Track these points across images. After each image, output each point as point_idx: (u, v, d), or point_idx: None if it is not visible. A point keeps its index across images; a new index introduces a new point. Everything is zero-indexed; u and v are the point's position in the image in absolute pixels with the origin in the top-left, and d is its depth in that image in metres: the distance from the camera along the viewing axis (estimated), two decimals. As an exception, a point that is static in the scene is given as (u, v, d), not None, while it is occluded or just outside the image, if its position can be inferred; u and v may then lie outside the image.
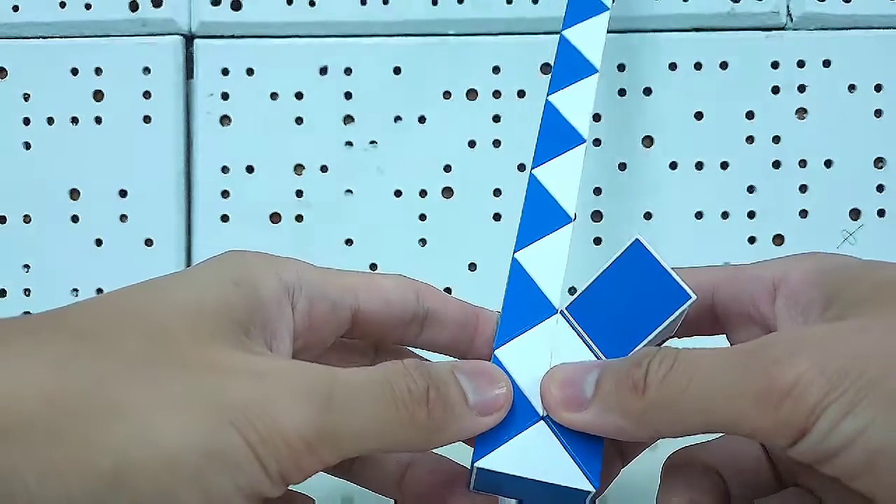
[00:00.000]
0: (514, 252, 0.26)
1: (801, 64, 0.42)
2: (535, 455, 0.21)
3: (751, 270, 0.24)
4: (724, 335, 0.25)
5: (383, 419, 0.19)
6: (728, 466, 0.23)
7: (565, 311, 0.24)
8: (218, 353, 0.18)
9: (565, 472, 0.21)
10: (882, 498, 0.18)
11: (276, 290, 0.21)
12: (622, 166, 0.43)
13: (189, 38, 0.44)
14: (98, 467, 0.16)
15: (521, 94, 0.43)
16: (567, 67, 0.29)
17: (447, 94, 0.43)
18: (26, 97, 0.44)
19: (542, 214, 0.27)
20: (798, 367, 0.18)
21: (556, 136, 0.28)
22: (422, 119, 0.43)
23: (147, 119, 0.43)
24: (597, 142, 0.43)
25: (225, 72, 0.43)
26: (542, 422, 0.22)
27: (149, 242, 0.44)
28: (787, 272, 0.22)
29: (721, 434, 0.22)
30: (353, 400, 0.18)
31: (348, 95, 0.43)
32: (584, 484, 0.21)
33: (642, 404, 0.19)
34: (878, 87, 0.42)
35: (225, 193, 0.43)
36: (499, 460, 0.21)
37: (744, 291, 0.23)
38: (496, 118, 0.43)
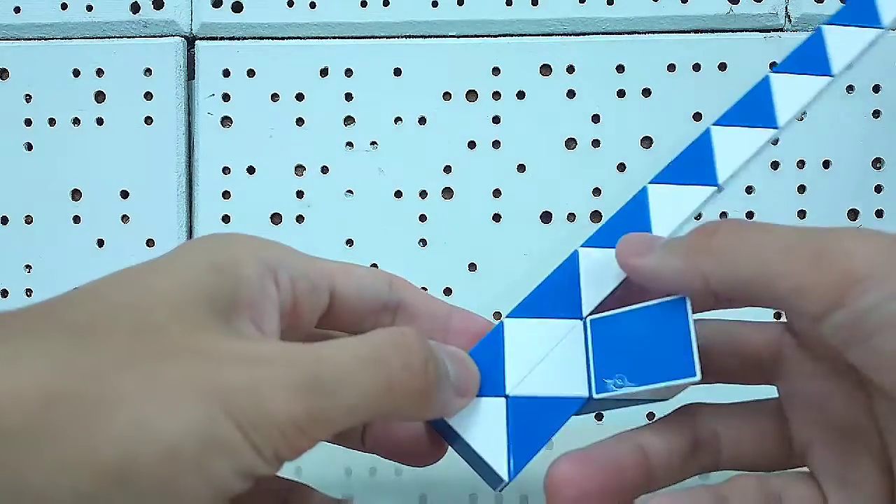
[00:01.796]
0: (581, 246, 0.25)
1: (799, 65, 0.42)
2: (479, 421, 0.22)
3: None
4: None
5: (376, 394, 0.19)
6: (733, 434, 0.24)
7: (588, 321, 0.24)
8: (206, 341, 0.18)
9: (493, 449, 0.22)
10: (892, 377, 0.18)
11: (257, 269, 0.21)
12: (621, 167, 0.43)
13: (190, 40, 0.44)
14: (102, 462, 0.16)
15: (521, 95, 0.43)
16: (805, 58, 0.27)
17: (447, 95, 0.43)
18: (28, 98, 0.44)
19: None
20: (862, 240, 0.19)
21: (753, 109, 0.27)
22: (422, 120, 0.43)
23: (148, 120, 0.44)
24: (596, 142, 0.43)
25: (226, 73, 0.44)
26: (503, 399, 0.23)
27: (150, 243, 0.44)
28: None
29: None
30: (341, 380, 0.18)
31: (349, 97, 0.43)
32: (501, 469, 0.22)
33: (706, 244, 0.21)
34: (876, 88, 0.42)
35: (226, 194, 0.44)
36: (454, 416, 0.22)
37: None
38: (496, 119, 0.43)
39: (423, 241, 0.43)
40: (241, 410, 0.17)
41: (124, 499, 0.16)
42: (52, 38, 0.44)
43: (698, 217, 0.26)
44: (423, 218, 0.43)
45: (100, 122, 0.44)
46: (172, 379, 0.17)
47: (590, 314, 0.24)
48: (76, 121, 0.44)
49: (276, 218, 0.44)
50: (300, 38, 0.44)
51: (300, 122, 0.43)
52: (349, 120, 0.44)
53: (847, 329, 0.18)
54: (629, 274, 0.23)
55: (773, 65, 0.42)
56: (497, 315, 0.43)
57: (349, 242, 0.43)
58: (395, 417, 0.21)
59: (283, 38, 0.44)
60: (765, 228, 0.21)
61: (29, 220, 0.44)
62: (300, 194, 0.43)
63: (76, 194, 0.44)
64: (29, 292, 0.44)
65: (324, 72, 0.43)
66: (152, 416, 0.16)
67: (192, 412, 0.17)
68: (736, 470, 0.23)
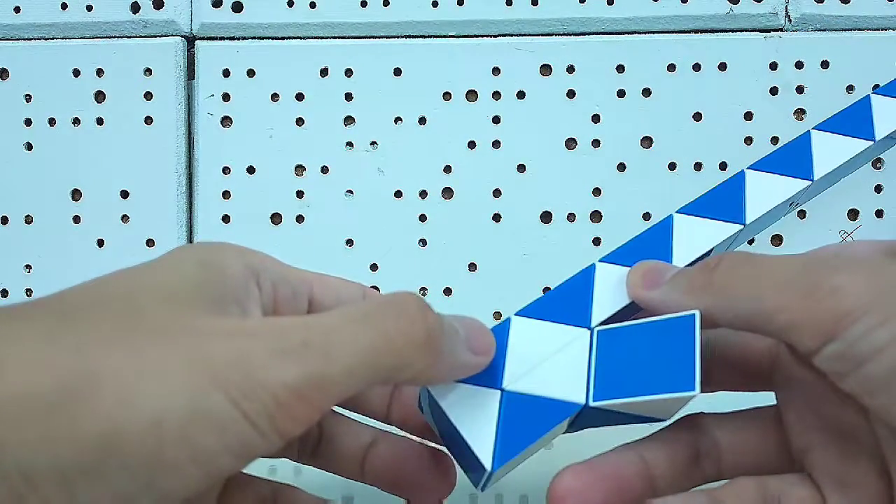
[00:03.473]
0: (599, 260, 0.26)
1: (799, 65, 0.42)
2: (471, 409, 0.22)
3: None
4: None
5: (373, 350, 0.19)
6: (734, 442, 0.24)
7: (595, 332, 0.24)
8: (193, 319, 0.18)
9: (481, 439, 0.22)
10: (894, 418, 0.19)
11: (241, 270, 0.21)
12: (621, 167, 0.43)
13: (190, 40, 0.44)
14: (86, 435, 0.16)
15: (521, 95, 0.43)
16: (850, 120, 0.29)
17: (447, 95, 0.43)
18: (28, 98, 0.44)
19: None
20: (849, 274, 0.19)
21: (790, 160, 0.28)
22: (422, 120, 0.43)
23: (148, 120, 0.44)
24: (596, 142, 0.43)
25: (226, 73, 0.44)
26: (499, 391, 0.23)
27: (150, 243, 0.44)
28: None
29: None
30: (333, 340, 0.18)
31: (349, 96, 0.43)
32: (486, 459, 0.21)
33: (707, 280, 0.22)
34: (875, 88, 0.42)
35: (226, 194, 0.44)
36: (444, 393, 0.22)
37: None
38: (496, 119, 0.43)
39: (423, 241, 0.43)
40: (231, 381, 0.17)
41: (110, 473, 0.16)
42: (52, 38, 0.44)
43: (751, 241, 0.27)
44: (423, 218, 0.43)
45: (100, 122, 0.44)
46: (158, 354, 0.17)
47: (598, 325, 0.24)
48: (76, 121, 0.44)
49: (276, 218, 0.44)
50: (300, 38, 0.44)
51: (300, 122, 0.43)
52: (349, 120, 0.44)
53: (839, 360, 0.19)
54: (637, 303, 0.24)
55: (773, 65, 0.42)
56: (497, 315, 0.43)
57: (349, 242, 0.43)
58: (406, 377, 0.20)
59: (283, 38, 0.44)
60: (761, 263, 0.21)
61: (29, 220, 0.44)
62: (300, 194, 0.43)
63: (76, 194, 0.44)
64: (29, 292, 0.44)
65: (324, 72, 0.43)
66: (136, 390, 0.16)
67: (178, 384, 0.17)
68: (737, 476, 0.23)
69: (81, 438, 0.16)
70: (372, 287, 0.43)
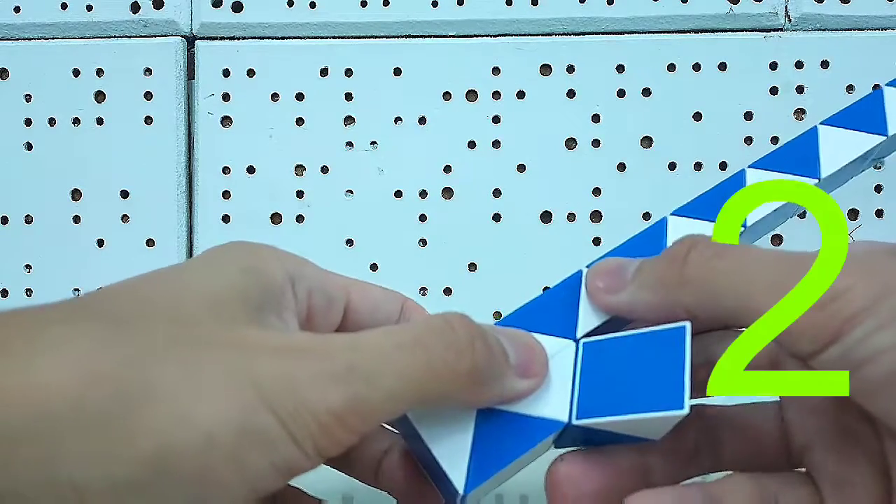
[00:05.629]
0: (586, 266, 0.24)
1: (799, 65, 0.42)
2: (447, 431, 0.21)
3: None
4: None
5: (417, 378, 0.18)
6: (734, 437, 0.23)
7: (580, 344, 0.23)
8: (241, 333, 0.18)
9: (454, 461, 0.21)
10: (893, 420, 0.18)
11: (281, 277, 0.21)
12: (621, 167, 0.43)
13: (190, 40, 0.44)
14: (140, 451, 0.16)
15: (521, 94, 0.43)
16: (860, 115, 0.27)
17: (447, 95, 0.43)
18: (28, 98, 0.44)
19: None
20: (848, 277, 0.18)
21: (796, 157, 0.26)
22: (422, 120, 0.43)
23: (148, 120, 0.44)
24: (596, 142, 0.43)
25: (226, 73, 0.44)
26: (474, 412, 0.21)
27: (150, 243, 0.44)
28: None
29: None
30: (379, 366, 0.18)
31: (349, 96, 0.43)
32: (459, 480, 0.20)
33: (680, 275, 0.20)
34: (876, 88, 0.42)
35: (226, 194, 0.44)
36: (420, 417, 0.21)
37: None
38: (496, 119, 0.43)
39: (423, 241, 0.43)
40: (279, 401, 0.17)
41: (160, 490, 0.16)
42: (52, 38, 0.44)
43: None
44: (423, 218, 0.43)
45: (100, 121, 0.44)
46: (210, 369, 0.17)
47: (584, 336, 0.23)
48: (76, 121, 0.44)
49: (276, 218, 0.44)
50: (300, 38, 0.44)
51: (300, 121, 0.43)
52: (349, 120, 0.44)
53: (838, 363, 0.19)
54: (604, 311, 0.23)
55: (773, 65, 0.42)
56: (497, 315, 0.43)
57: (349, 242, 0.43)
58: (445, 403, 0.20)
59: (283, 38, 0.44)
60: (736, 256, 0.20)
61: (29, 220, 0.44)
62: (300, 194, 0.43)
63: (76, 194, 0.44)
64: (29, 292, 0.44)
65: (324, 72, 0.43)
66: (190, 406, 0.16)
67: (230, 402, 0.17)
68: (735, 470, 0.23)
69: (136, 453, 0.16)
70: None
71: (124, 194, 0.44)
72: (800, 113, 0.43)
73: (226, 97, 0.44)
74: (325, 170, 0.43)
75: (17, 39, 0.44)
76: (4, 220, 0.44)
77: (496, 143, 0.43)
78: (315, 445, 0.17)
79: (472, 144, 0.43)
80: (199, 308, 0.18)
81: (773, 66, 0.42)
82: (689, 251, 0.21)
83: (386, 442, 0.24)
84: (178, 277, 0.20)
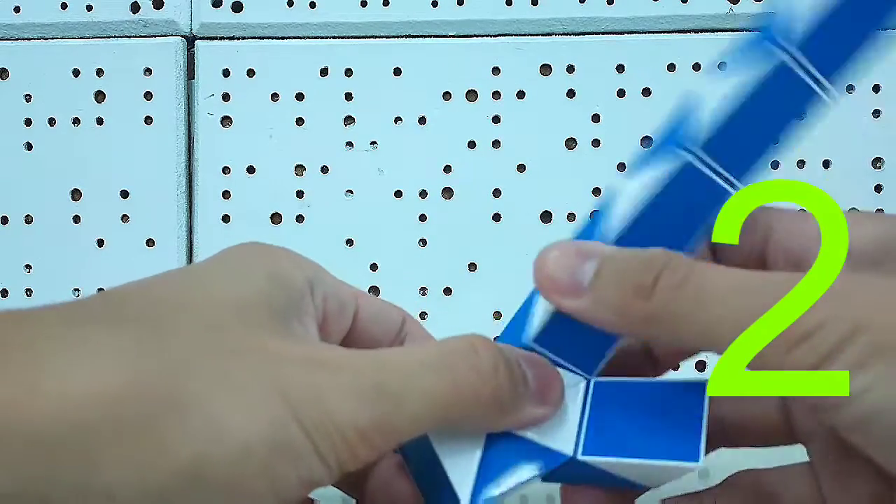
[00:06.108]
0: None
1: (799, 65, 0.42)
2: (459, 448, 0.21)
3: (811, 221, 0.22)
4: None
5: (442, 401, 0.18)
6: (737, 419, 0.23)
7: (592, 382, 0.22)
8: (271, 342, 0.18)
9: (462, 476, 0.20)
10: (875, 453, 0.18)
11: (301, 282, 0.21)
12: (621, 167, 0.43)
13: (190, 40, 0.44)
14: (176, 461, 0.16)
15: (521, 94, 0.43)
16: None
17: (447, 95, 0.43)
18: (28, 98, 0.44)
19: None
20: (819, 313, 0.17)
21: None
22: (422, 120, 0.43)
23: (148, 120, 0.44)
24: (596, 142, 0.43)
25: (226, 73, 0.44)
26: (484, 436, 0.21)
27: (150, 243, 0.44)
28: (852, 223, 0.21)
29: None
30: (406, 387, 0.18)
31: (349, 96, 0.43)
32: (464, 495, 0.20)
33: (644, 311, 0.19)
34: (875, 88, 0.42)
35: (226, 194, 0.44)
36: (436, 432, 0.21)
37: (799, 237, 0.22)
38: (496, 119, 0.43)
39: (423, 241, 0.43)
40: (307, 415, 0.17)
41: (191, 498, 0.16)
42: (52, 38, 0.44)
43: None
44: (423, 218, 0.43)
45: (100, 122, 0.44)
46: (242, 379, 0.17)
47: (596, 375, 0.22)
48: (76, 121, 0.44)
49: (276, 218, 0.44)
50: (300, 38, 0.44)
51: (300, 121, 0.43)
52: (349, 120, 0.44)
53: (813, 399, 0.18)
54: (559, 309, 0.20)
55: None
56: (497, 315, 0.43)
57: (349, 242, 0.43)
58: (465, 426, 0.20)
59: (283, 38, 0.44)
60: (707, 284, 0.18)
61: (29, 220, 0.44)
62: (300, 194, 0.43)
63: (76, 194, 0.44)
64: (29, 292, 0.44)
65: (324, 72, 0.43)
66: (226, 416, 0.16)
67: (262, 414, 0.17)
68: (738, 447, 0.23)
69: (172, 463, 0.16)
70: (371, 287, 0.43)
71: (124, 194, 0.44)
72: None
73: (226, 97, 0.44)
74: (325, 170, 0.43)
75: (17, 39, 0.44)
76: (4, 220, 0.44)
77: (496, 143, 0.43)
78: (337, 459, 0.17)
79: (472, 144, 0.43)
80: (228, 315, 0.18)
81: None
82: (657, 279, 0.19)
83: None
84: (205, 282, 0.20)
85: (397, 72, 0.43)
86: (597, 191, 0.43)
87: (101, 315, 0.18)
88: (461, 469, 0.20)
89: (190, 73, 0.44)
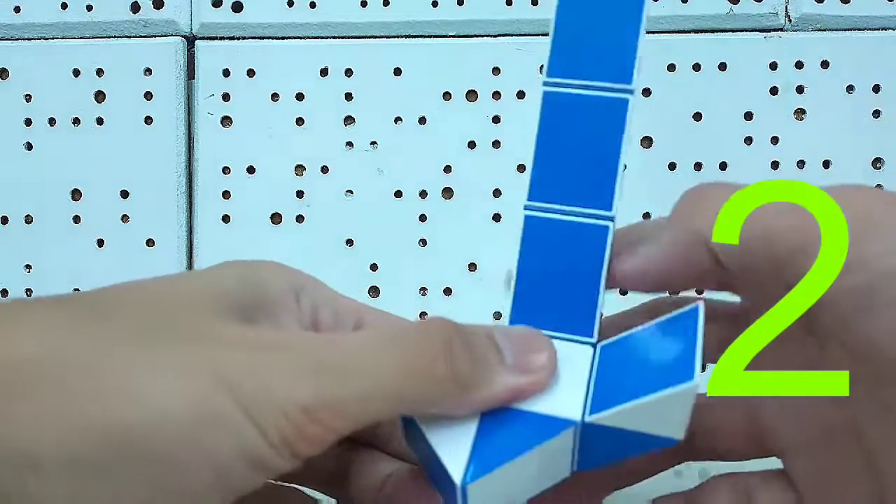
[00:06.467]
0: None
1: (799, 65, 0.42)
2: (449, 425, 0.20)
3: None
4: None
5: (392, 380, 0.18)
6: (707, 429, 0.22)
7: (598, 347, 0.22)
8: (214, 327, 0.18)
9: (453, 453, 0.20)
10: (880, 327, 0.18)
11: (282, 288, 0.21)
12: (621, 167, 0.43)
13: (190, 40, 0.44)
14: (91, 424, 0.16)
15: (521, 94, 0.43)
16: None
17: (447, 95, 0.43)
18: (28, 98, 0.44)
19: None
20: (865, 202, 0.19)
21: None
22: (422, 120, 0.43)
23: (148, 120, 0.44)
24: (596, 142, 0.43)
25: (226, 73, 0.44)
26: (477, 415, 0.20)
27: (150, 243, 0.44)
28: None
29: None
30: (351, 365, 0.18)
31: (349, 96, 0.43)
32: (457, 472, 0.19)
33: (700, 206, 0.21)
34: (876, 88, 0.42)
35: (226, 194, 0.44)
36: (424, 415, 0.20)
37: None
38: (496, 119, 0.43)
39: (423, 241, 0.43)
40: (242, 390, 0.17)
41: (121, 468, 0.16)
42: (52, 38, 0.44)
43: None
44: (423, 218, 0.43)
45: (100, 121, 0.44)
46: (173, 355, 0.17)
47: (600, 341, 0.22)
48: (76, 120, 0.44)
49: (276, 218, 0.44)
50: (300, 38, 0.44)
51: (300, 121, 0.43)
52: (349, 120, 0.44)
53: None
54: (621, 284, 0.22)
55: (773, 65, 0.42)
56: (497, 315, 0.43)
57: (349, 242, 0.43)
58: (434, 406, 0.19)
59: (283, 38, 0.44)
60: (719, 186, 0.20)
61: (29, 220, 0.44)
62: (300, 194, 0.43)
63: (76, 194, 0.44)
64: (29, 292, 0.44)
65: (324, 72, 0.43)
66: (142, 384, 0.17)
67: (189, 387, 0.17)
68: (709, 460, 0.23)
69: (86, 424, 0.16)
70: (371, 287, 0.43)
71: (124, 194, 0.44)
72: (800, 113, 0.43)
73: (226, 97, 0.44)
74: (325, 170, 0.43)
75: (17, 39, 0.44)
76: (4, 220, 0.44)
77: (496, 143, 0.43)
78: (283, 438, 0.17)
79: (472, 144, 0.43)
80: (180, 305, 0.19)
81: (773, 66, 0.42)
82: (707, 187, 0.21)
83: (387, 468, 0.24)
84: (173, 281, 0.20)
85: (397, 72, 0.43)
86: (597, 191, 0.43)
87: (50, 300, 0.18)
88: (452, 449, 0.20)
89: (190, 73, 0.44)
